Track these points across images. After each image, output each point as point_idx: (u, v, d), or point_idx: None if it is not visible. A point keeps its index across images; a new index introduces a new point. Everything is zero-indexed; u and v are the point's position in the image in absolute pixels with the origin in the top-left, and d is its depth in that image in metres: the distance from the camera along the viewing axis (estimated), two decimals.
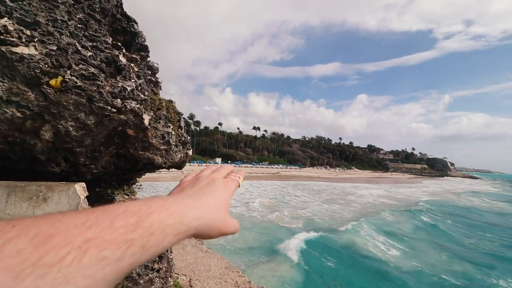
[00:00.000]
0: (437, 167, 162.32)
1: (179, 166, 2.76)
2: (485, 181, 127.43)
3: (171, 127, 2.36)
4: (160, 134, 2.23)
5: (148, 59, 2.48)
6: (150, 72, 2.46)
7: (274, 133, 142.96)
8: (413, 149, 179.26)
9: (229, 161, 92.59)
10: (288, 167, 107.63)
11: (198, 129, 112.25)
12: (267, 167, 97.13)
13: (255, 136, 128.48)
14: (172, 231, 0.31)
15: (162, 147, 2.29)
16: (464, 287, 11.26)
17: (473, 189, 65.85)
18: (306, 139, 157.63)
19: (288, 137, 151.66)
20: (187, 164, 2.99)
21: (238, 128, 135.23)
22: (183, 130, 2.70)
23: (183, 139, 2.65)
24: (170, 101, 2.52)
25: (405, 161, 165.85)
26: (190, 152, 2.84)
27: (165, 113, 2.30)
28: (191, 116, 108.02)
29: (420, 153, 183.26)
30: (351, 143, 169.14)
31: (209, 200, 0.40)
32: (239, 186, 0.50)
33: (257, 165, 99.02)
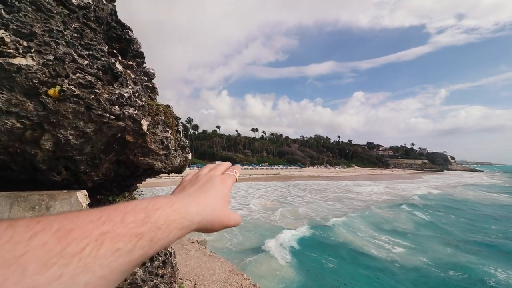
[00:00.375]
0: (437, 162, 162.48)
1: (179, 170, 2.76)
2: (485, 173, 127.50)
3: (170, 131, 2.37)
4: (159, 139, 2.25)
5: (144, 65, 2.50)
6: (146, 78, 2.48)
7: (272, 134, 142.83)
8: (413, 144, 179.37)
9: None
10: (288, 167, 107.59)
11: (196, 133, 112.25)
12: (267, 168, 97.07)
13: (254, 138, 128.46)
14: (177, 225, 0.35)
15: (161, 152, 2.30)
16: (460, 278, 11.38)
17: (473, 182, 65.96)
18: (305, 138, 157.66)
19: (287, 137, 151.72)
20: (187, 168, 3.00)
21: (236, 130, 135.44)
22: (181, 134, 2.72)
23: (182, 143, 2.66)
24: (168, 106, 2.53)
25: (405, 156, 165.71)
26: (190, 156, 2.85)
27: (163, 118, 2.31)
28: (189, 120, 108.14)
29: (420, 148, 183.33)
30: (350, 141, 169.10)
31: (209, 196, 0.44)
32: (236, 181, 0.54)
33: (257, 167, 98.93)
